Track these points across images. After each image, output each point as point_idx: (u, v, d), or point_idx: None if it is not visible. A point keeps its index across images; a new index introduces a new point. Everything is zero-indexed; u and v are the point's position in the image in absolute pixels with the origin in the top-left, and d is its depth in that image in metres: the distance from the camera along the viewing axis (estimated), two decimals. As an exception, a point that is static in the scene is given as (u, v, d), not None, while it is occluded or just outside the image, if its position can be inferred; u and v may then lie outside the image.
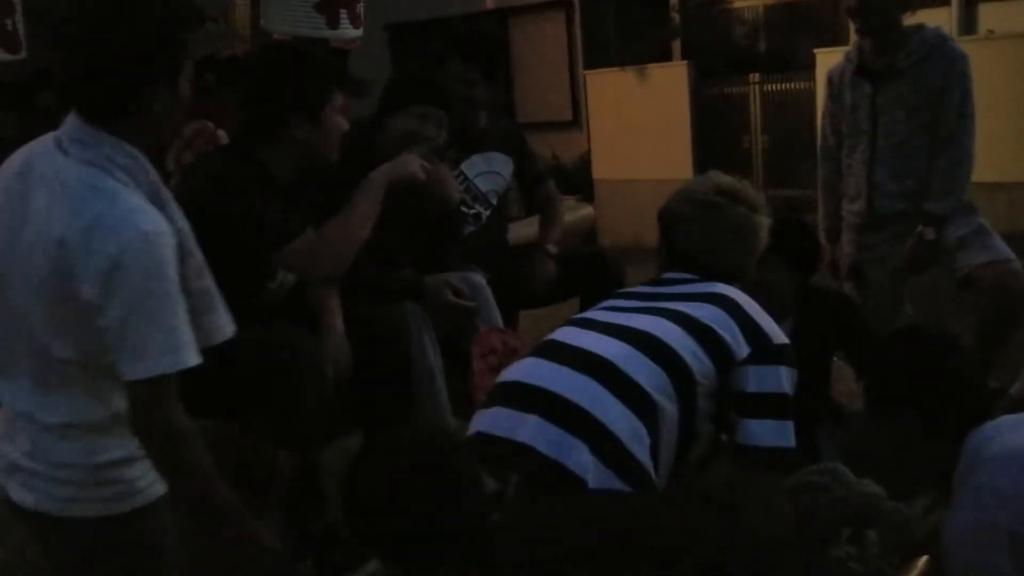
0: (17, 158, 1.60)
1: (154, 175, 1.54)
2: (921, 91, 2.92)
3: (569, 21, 9.25)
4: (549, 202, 3.26)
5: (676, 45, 8.81)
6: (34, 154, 1.58)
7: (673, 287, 2.05)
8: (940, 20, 7.17)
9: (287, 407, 2.11)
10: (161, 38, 1.51)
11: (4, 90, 2.79)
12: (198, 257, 1.60)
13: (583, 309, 3.06)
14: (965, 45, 6.87)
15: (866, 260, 3.10)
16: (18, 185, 1.55)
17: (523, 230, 3.34)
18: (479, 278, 2.75)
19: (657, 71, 8.18)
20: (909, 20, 3.06)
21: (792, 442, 1.94)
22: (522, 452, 1.71)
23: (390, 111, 2.67)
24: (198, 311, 1.58)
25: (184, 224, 1.59)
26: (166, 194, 1.57)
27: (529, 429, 1.73)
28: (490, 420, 1.82)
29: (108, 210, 1.45)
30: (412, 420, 2.52)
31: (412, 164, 2.48)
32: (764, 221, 2.11)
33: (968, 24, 7.19)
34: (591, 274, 3.03)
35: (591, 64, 8.89)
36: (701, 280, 2.05)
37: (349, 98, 2.44)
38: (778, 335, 1.98)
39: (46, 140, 1.58)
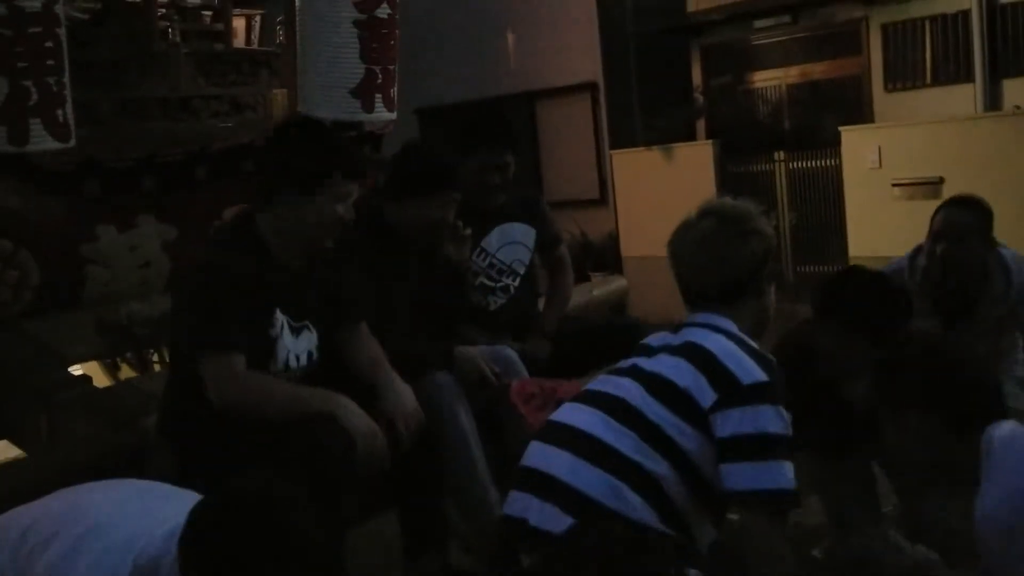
0: None
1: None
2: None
3: (595, 102, 9.42)
4: (559, 270, 3.29)
5: (701, 124, 8.94)
6: None
7: (665, 339, 2.05)
8: (965, 96, 7.23)
9: (314, 488, 2.09)
10: None
11: (52, 178, 2.87)
12: None
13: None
14: (990, 122, 6.88)
15: None
16: None
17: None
18: (511, 352, 2.76)
19: (682, 150, 8.27)
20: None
21: (779, 483, 1.82)
22: (533, 532, 1.87)
23: (411, 196, 2.70)
24: None
25: None
26: None
27: (534, 510, 1.90)
28: (509, 503, 1.99)
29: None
30: (448, 493, 2.50)
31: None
32: (732, 230, 2.01)
33: (993, 100, 7.21)
34: (622, 343, 3.03)
35: (617, 144, 9.01)
36: (696, 324, 2.01)
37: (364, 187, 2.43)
38: (751, 374, 1.86)
39: None
